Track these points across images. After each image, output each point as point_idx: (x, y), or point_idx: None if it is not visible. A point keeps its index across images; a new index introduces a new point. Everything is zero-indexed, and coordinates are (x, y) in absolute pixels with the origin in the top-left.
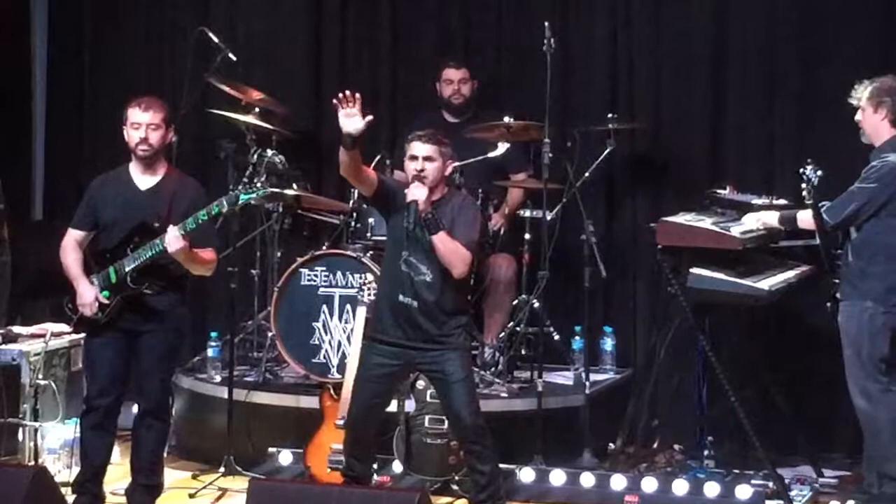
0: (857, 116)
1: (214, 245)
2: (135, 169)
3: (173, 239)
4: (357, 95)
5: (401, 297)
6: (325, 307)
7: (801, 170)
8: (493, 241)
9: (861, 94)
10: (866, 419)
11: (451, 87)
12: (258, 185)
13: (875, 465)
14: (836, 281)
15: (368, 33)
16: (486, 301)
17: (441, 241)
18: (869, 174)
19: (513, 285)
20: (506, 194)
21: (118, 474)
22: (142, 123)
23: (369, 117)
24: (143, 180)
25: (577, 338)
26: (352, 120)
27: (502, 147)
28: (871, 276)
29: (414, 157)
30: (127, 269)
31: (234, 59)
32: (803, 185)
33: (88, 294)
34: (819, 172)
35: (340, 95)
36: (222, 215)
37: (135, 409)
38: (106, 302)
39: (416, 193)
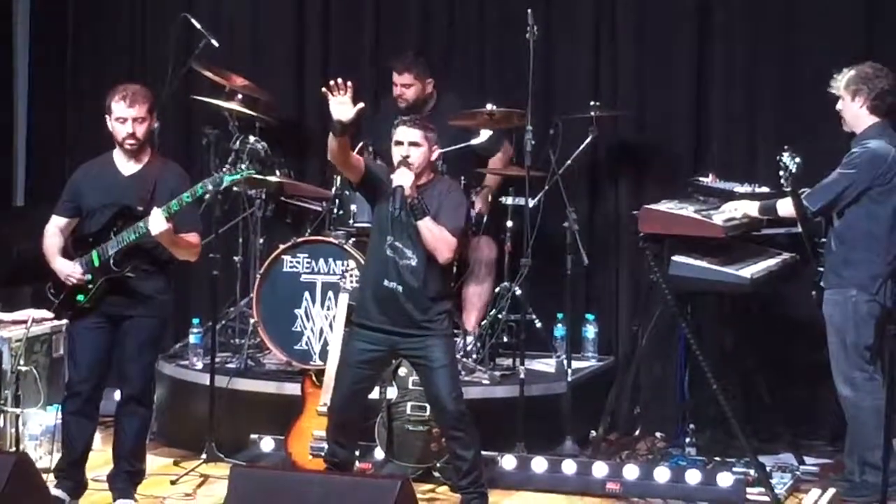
0: (838, 106)
1: (198, 229)
2: (118, 156)
3: (157, 221)
4: (349, 84)
5: (386, 283)
6: (307, 294)
7: (779, 157)
8: (477, 226)
9: (839, 83)
10: (850, 407)
11: (396, 90)
12: (242, 167)
13: (857, 452)
14: (820, 269)
15: (351, 20)
16: (466, 282)
17: (426, 226)
18: (850, 160)
19: (493, 266)
20: (485, 178)
21: (100, 461)
22: (127, 118)
23: (360, 105)
24: (127, 166)
25: (559, 325)
26: (343, 108)
27: (485, 134)
28: (854, 263)
29: (399, 143)
30: (110, 253)
31: (217, 45)
32: (781, 173)
33: (66, 266)
34: (797, 160)
35: (332, 83)
36: (207, 196)
37: (117, 395)
38: (88, 281)
39: (402, 178)
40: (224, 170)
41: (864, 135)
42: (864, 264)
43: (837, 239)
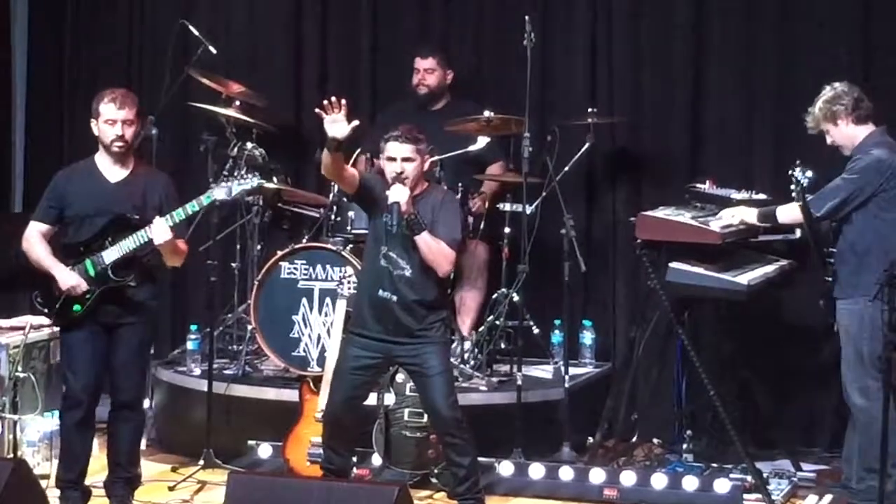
0: (828, 141)
1: (184, 235)
2: (103, 161)
3: (161, 230)
4: (343, 101)
5: (380, 292)
6: (304, 300)
7: (790, 171)
8: (473, 232)
9: (815, 118)
10: (863, 417)
11: (417, 76)
12: (251, 176)
13: (868, 461)
14: (828, 279)
15: (348, 27)
16: (460, 286)
17: (425, 241)
18: (852, 166)
19: (485, 268)
20: (482, 185)
21: (95, 467)
22: (117, 120)
23: (355, 122)
24: (113, 173)
25: (556, 332)
26: (338, 125)
27: (482, 141)
28: (866, 271)
29: (392, 159)
30: (107, 262)
31: (215, 52)
32: (792, 187)
33: (70, 277)
34: (808, 174)
35: (325, 102)
36: (215, 206)
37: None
38: (85, 291)
39: (398, 195)
40: (236, 178)
41: (864, 142)
42: (875, 271)
43: (850, 249)
